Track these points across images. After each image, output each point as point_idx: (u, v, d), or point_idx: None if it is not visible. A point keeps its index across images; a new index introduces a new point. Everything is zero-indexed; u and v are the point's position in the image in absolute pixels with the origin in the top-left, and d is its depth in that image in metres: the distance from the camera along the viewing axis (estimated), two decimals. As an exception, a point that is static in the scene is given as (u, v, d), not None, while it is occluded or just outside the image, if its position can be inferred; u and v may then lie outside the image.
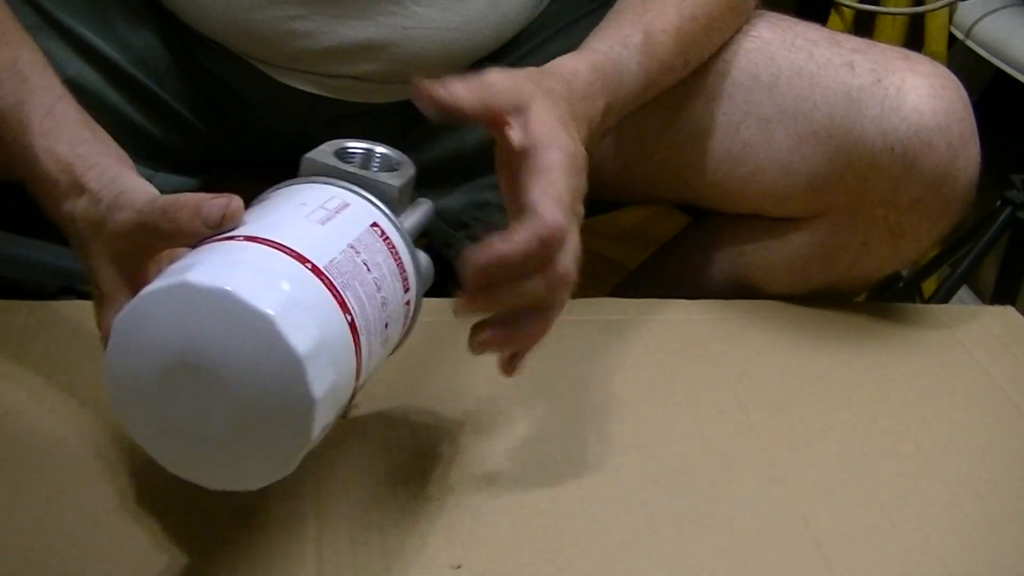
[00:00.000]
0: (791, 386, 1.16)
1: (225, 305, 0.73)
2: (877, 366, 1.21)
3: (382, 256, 0.86)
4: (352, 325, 0.80)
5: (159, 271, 0.80)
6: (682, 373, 1.16)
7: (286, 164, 1.32)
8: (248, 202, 0.87)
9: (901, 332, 1.27)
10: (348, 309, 0.79)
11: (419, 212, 0.97)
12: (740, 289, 1.31)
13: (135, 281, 0.87)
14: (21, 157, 0.94)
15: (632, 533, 0.96)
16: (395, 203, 0.91)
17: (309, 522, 0.93)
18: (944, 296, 1.51)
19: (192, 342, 0.74)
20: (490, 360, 0.94)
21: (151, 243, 0.86)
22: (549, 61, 1.25)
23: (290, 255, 0.78)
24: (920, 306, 1.39)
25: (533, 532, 0.96)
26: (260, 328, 0.73)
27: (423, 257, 0.94)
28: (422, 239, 1.40)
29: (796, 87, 1.19)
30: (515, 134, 0.92)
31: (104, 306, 0.88)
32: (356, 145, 0.96)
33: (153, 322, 0.75)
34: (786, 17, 1.24)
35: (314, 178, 0.91)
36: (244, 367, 0.74)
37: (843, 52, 1.19)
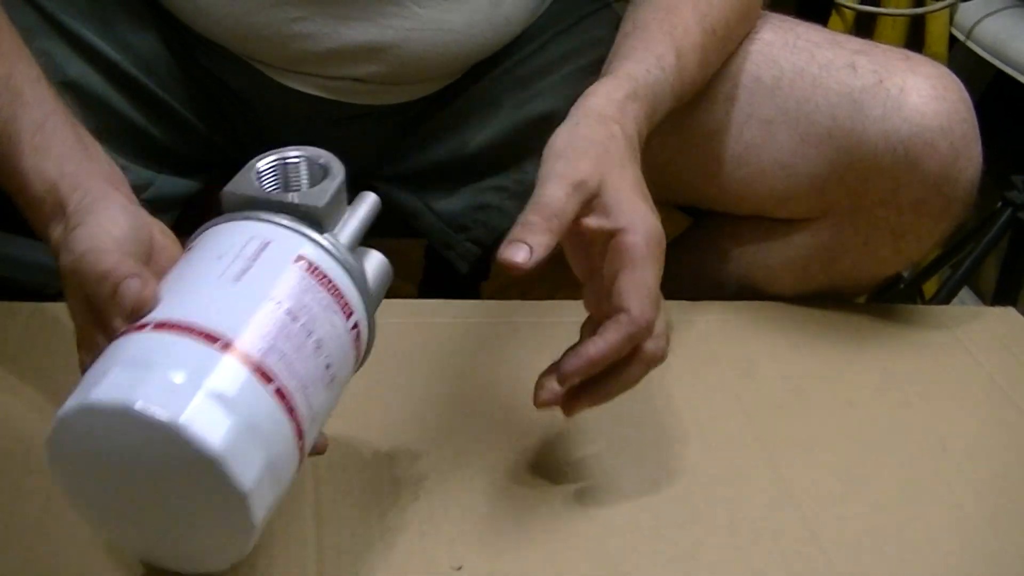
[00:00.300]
0: (793, 387, 1.17)
1: (134, 421, 0.73)
2: (879, 367, 1.21)
3: (311, 294, 0.82)
4: (279, 392, 0.77)
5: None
6: (684, 374, 1.15)
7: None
8: None
9: (902, 333, 1.27)
10: (270, 377, 0.77)
11: (359, 214, 0.90)
12: (742, 290, 1.31)
13: (101, 322, 0.85)
14: (11, 176, 0.93)
15: (634, 534, 0.97)
16: (324, 219, 0.85)
17: (308, 524, 0.93)
18: (945, 297, 1.51)
19: (116, 455, 0.75)
20: (492, 363, 0.94)
21: (91, 298, 0.85)
22: (551, 62, 1.26)
23: (199, 337, 0.76)
24: (921, 307, 1.39)
25: (534, 533, 0.96)
26: (174, 438, 0.73)
27: (373, 261, 0.89)
28: (421, 240, 1.40)
29: (798, 89, 1.19)
30: (592, 221, 0.93)
31: (79, 341, 0.88)
32: (271, 160, 0.89)
33: (77, 439, 0.76)
34: (788, 18, 1.24)
35: (234, 215, 0.85)
36: (172, 476, 0.74)
37: (845, 53, 1.19)
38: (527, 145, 1.27)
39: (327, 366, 0.81)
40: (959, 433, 1.13)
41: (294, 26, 1.15)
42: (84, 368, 0.84)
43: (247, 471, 0.73)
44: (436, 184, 1.31)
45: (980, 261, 1.50)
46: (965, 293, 1.79)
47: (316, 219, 0.85)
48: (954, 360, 1.23)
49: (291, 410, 0.77)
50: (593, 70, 1.15)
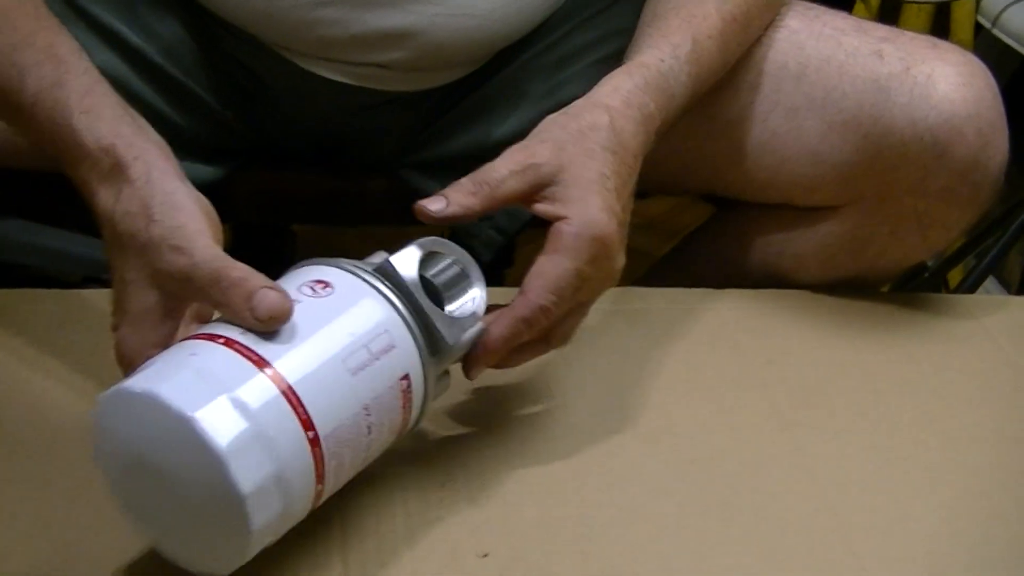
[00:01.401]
0: (818, 376, 1.16)
1: (158, 409, 0.77)
2: (904, 356, 1.20)
3: (388, 412, 0.87)
4: (305, 421, 0.80)
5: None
6: (708, 362, 1.16)
7: (311, 153, 1.32)
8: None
9: (928, 322, 1.27)
10: (300, 402, 0.80)
11: (465, 340, 0.93)
12: (767, 279, 1.31)
13: (168, 314, 0.88)
14: (60, 137, 0.92)
15: (659, 523, 0.96)
16: (446, 351, 0.90)
17: (333, 511, 0.92)
18: (970, 286, 1.51)
19: (150, 446, 0.79)
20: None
21: (196, 296, 0.87)
22: (574, 52, 1.25)
23: (295, 412, 0.79)
24: (946, 296, 1.39)
25: (560, 520, 0.96)
26: (187, 431, 0.76)
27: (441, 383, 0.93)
28: (443, 227, 1.40)
29: (825, 76, 1.19)
30: (540, 207, 0.95)
31: (125, 324, 0.89)
32: (446, 262, 0.93)
33: (112, 422, 0.80)
34: (813, 6, 1.24)
35: (385, 291, 0.87)
36: (184, 470, 0.77)
37: (872, 41, 1.19)
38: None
39: (368, 428, 0.85)
40: (984, 422, 1.12)
41: (318, 12, 1.15)
42: (129, 350, 0.87)
43: (249, 475, 0.76)
44: (459, 172, 1.31)
45: (1006, 250, 1.49)
46: (990, 282, 1.79)
47: (439, 349, 0.89)
48: (979, 349, 1.23)
49: (314, 441, 0.80)
50: (616, 60, 1.14)
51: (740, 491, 1.01)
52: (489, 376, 1.00)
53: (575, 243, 0.93)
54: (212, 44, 1.22)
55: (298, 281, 0.86)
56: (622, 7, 1.25)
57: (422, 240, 0.90)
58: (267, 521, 0.78)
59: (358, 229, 1.55)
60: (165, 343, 0.87)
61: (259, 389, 0.78)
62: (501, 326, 0.93)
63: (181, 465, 0.77)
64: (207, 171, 1.25)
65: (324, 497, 0.84)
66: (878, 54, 1.17)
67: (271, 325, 0.81)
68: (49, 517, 0.92)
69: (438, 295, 0.91)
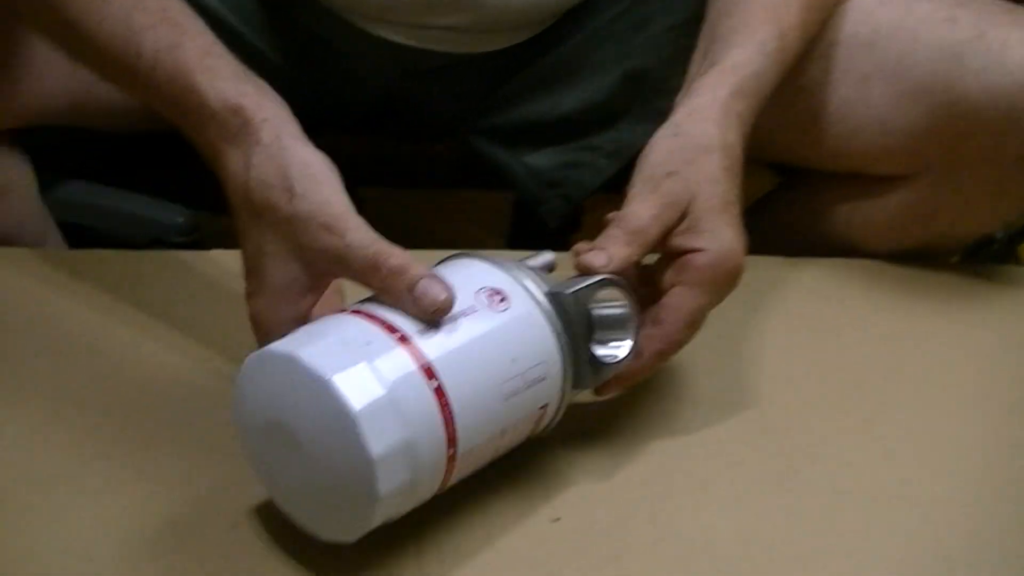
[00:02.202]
0: (886, 346, 1.16)
1: (298, 371, 0.78)
2: (974, 327, 1.20)
3: (517, 436, 0.89)
4: (438, 391, 0.80)
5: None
6: (776, 331, 1.16)
7: (376, 117, 1.33)
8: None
9: (998, 293, 1.27)
10: (435, 376, 0.80)
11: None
12: (833, 248, 1.30)
13: (311, 289, 0.89)
14: (182, 100, 0.92)
15: (729, 492, 0.97)
16: (585, 382, 0.91)
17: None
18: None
19: (288, 407, 0.80)
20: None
21: (348, 277, 0.87)
22: (644, 19, 1.25)
23: (444, 424, 0.80)
24: (1017, 268, 1.37)
25: (631, 486, 0.96)
26: (323, 392, 0.77)
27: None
28: (508, 192, 1.41)
29: (896, 43, 1.18)
30: (678, 242, 0.94)
31: (262, 295, 0.89)
32: (614, 303, 0.91)
33: (264, 379, 0.82)
34: (883, -27, 1.22)
35: (556, 325, 0.87)
36: (317, 432, 0.79)
37: (944, 7, 1.17)
38: (620, 104, 1.27)
39: (495, 449, 0.88)
40: (1055, 394, 1.12)
41: None
42: (267, 323, 0.88)
43: (381, 440, 0.77)
44: (528, 140, 1.31)
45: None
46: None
47: (578, 387, 0.90)
48: (1050, 321, 1.22)
49: (448, 420, 0.80)
50: (686, 28, 1.14)
51: (810, 460, 1.01)
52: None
53: (712, 276, 0.93)
54: (280, 9, 1.23)
55: (473, 284, 0.86)
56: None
57: (604, 278, 0.89)
58: (394, 489, 0.78)
59: (422, 192, 1.56)
60: (304, 317, 0.88)
61: (408, 373, 0.79)
62: (640, 361, 0.93)
63: (316, 429, 0.78)
64: None
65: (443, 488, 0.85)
66: (951, 20, 1.16)
67: (435, 317, 0.82)
68: (132, 468, 0.94)
69: (593, 330, 0.90)
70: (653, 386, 1.06)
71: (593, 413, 1.02)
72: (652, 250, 0.94)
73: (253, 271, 0.89)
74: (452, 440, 0.81)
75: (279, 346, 0.80)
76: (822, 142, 1.24)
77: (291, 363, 0.78)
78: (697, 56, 1.07)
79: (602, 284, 0.89)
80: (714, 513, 0.94)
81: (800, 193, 1.35)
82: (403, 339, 0.80)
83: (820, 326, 1.18)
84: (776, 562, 0.91)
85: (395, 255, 0.83)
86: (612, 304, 0.91)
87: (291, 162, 0.88)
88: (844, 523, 0.95)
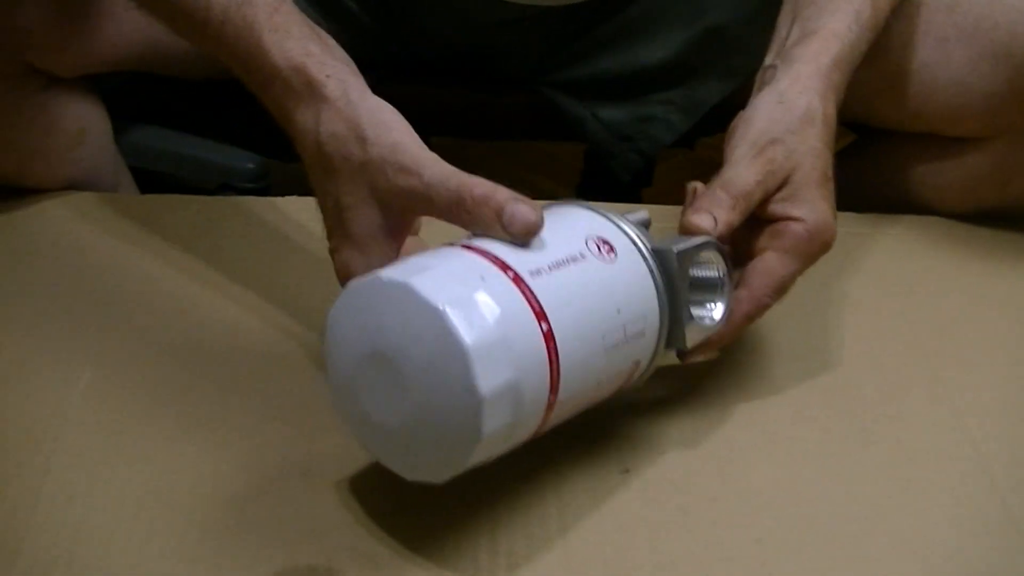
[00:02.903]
0: (959, 305, 1.16)
1: (409, 299, 0.76)
2: (1049, 289, 1.19)
3: (610, 388, 0.88)
4: (548, 335, 0.79)
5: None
6: (848, 288, 1.16)
7: (450, 66, 1.33)
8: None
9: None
10: (545, 318, 0.79)
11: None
12: (907, 207, 1.30)
13: (394, 234, 0.88)
14: (249, 56, 0.92)
15: (799, 446, 0.97)
16: (676, 349, 0.91)
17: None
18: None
19: (394, 336, 0.77)
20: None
21: (432, 214, 0.86)
22: None
23: (548, 361, 0.79)
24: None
25: (700, 439, 0.97)
26: (435, 323, 0.75)
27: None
28: (578, 144, 1.41)
29: (977, 6, 1.17)
30: (773, 207, 0.95)
31: (350, 247, 0.89)
32: (710, 266, 0.92)
33: (371, 306, 0.79)
34: (966, -64, 1.22)
35: (659, 282, 0.87)
36: (423, 364, 0.76)
37: (1024, -31, 1.17)
38: (696, 60, 1.28)
39: (590, 400, 0.87)
40: None
41: None
42: (353, 272, 0.87)
43: (490, 377, 0.75)
44: (602, 94, 1.31)
45: None
46: None
47: (671, 346, 0.90)
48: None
49: (554, 365, 0.79)
50: None
51: (879, 419, 1.01)
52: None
53: (807, 247, 0.94)
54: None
55: (581, 231, 0.86)
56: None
57: (705, 241, 0.89)
58: (496, 430, 0.77)
59: (494, 143, 1.56)
60: (392, 262, 0.87)
61: (520, 313, 0.78)
62: (728, 324, 0.93)
63: (421, 362, 0.76)
64: None
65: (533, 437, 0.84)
66: (1031, -18, 1.15)
67: (527, 238, 0.81)
68: (204, 416, 0.95)
69: (688, 291, 0.90)
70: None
71: (664, 366, 1.02)
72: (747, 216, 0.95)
73: (335, 225, 0.90)
74: (555, 386, 0.79)
75: (390, 272, 0.78)
76: (901, 103, 1.24)
77: (402, 290, 0.76)
78: (785, 17, 1.06)
79: (704, 247, 0.89)
80: (782, 468, 0.95)
81: (875, 152, 1.35)
82: (516, 278, 0.79)
83: (894, 284, 1.18)
84: (839, 520, 0.91)
85: (477, 184, 0.83)
86: (707, 266, 0.91)
87: (360, 113, 0.88)
88: (909, 483, 0.95)
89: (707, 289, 0.91)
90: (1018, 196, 1.26)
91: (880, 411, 1.01)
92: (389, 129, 0.87)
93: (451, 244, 0.83)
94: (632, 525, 0.89)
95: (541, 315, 0.78)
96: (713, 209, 0.91)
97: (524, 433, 0.81)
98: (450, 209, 0.83)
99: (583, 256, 0.84)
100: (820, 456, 0.96)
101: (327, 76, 0.89)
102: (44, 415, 0.94)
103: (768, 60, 1.02)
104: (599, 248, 0.85)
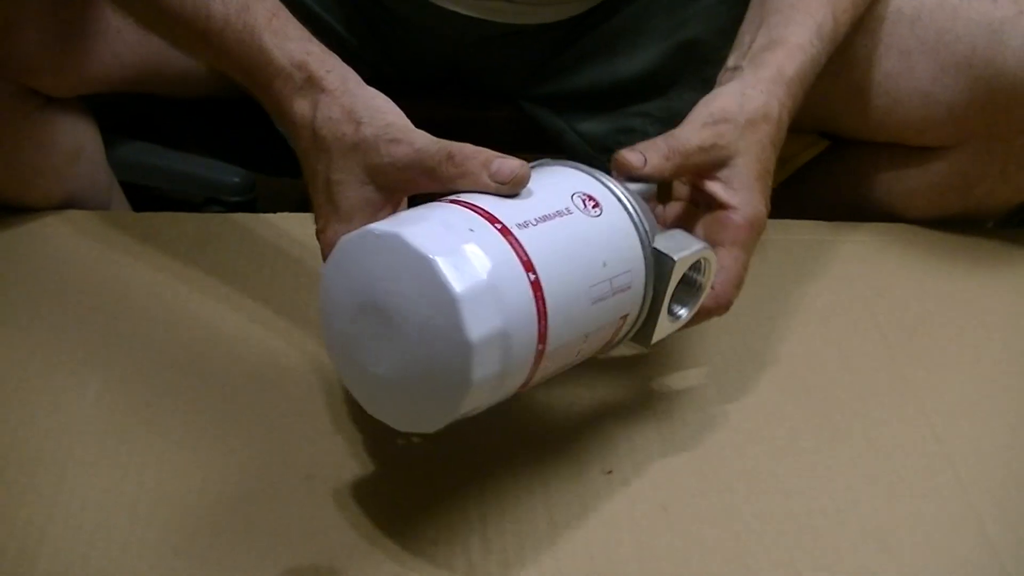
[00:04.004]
0: (927, 308, 1.18)
1: (399, 250, 0.77)
2: (1010, 290, 1.22)
3: (597, 343, 0.88)
4: (535, 284, 0.79)
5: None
6: (819, 292, 1.19)
7: (435, 83, 1.35)
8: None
9: (1032, 258, 1.29)
10: (533, 269, 0.79)
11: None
12: (876, 214, 1.33)
13: (381, 208, 0.90)
14: (249, 59, 0.95)
15: (772, 445, 1.00)
16: (655, 318, 0.91)
17: (465, 426, 0.97)
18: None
19: (386, 287, 0.78)
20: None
21: (422, 182, 0.88)
22: None
23: (536, 307, 0.79)
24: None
25: (681, 441, 1.00)
26: (425, 273, 0.76)
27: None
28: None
29: (938, 19, 1.20)
30: (710, 184, 0.97)
31: (337, 221, 0.91)
32: (697, 274, 0.92)
33: (363, 258, 0.80)
34: (928, -49, 1.25)
35: (643, 235, 0.88)
36: (412, 312, 0.77)
37: (985, -16, 1.20)
38: (673, 72, 1.29)
39: (578, 352, 0.86)
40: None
41: None
42: (332, 242, 0.87)
43: (479, 325, 0.76)
44: (581, 107, 1.34)
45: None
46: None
47: (644, 340, 0.91)
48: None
49: (542, 315, 0.80)
50: (729, 3, 1.17)
51: (850, 417, 1.04)
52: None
53: (746, 235, 0.96)
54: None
55: (567, 187, 0.87)
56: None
57: (702, 248, 0.91)
58: (485, 377, 0.77)
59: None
60: None
61: (509, 263, 0.78)
62: (694, 319, 0.95)
63: (412, 311, 0.77)
64: None
65: (521, 390, 0.85)
66: (992, -2, 1.19)
67: (514, 188, 0.83)
68: (242, 430, 0.98)
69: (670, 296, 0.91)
70: (700, 345, 1.10)
71: (643, 370, 1.06)
72: (679, 176, 0.97)
73: (324, 202, 0.92)
74: (543, 336, 0.80)
75: (381, 225, 0.79)
76: (866, 113, 1.26)
77: (393, 241, 0.77)
78: (750, 23, 1.08)
79: (701, 252, 0.91)
80: (757, 466, 0.98)
81: (845, 160, 1.38)
82: (504, 230, 0.79)
83: (862, 288, 1.21)
84: (811, 513, 0.94)
85: (466, 145, 0.86)
86: (695, 269, 0.92)
87: (355, 99, 0.91)
88: (877, 478, 0.98)
89: (686, 289, 0.92)
90: (980, 202, 1.30)
91: (849, 410, 1.05)
92: (383, 113, 0.90)
93: (439, 201, 0.84)
94: (616, 522, 0.92)
95: (529, 265, 0.79)
96: (647, 151, 0.93)
97: (513, 384, 0.82)
98: (439, 168, 0.85)
99: (568, 210, 0.84)
100: (793, 453, 1.00)
101: (327, 71, 0.93)
102: (55, 426, 0.97)
103: (731, 63, 1.05)
104: (584, 203, 0.86)
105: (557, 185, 0.87)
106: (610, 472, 0.96)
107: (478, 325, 0.75)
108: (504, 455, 0.95)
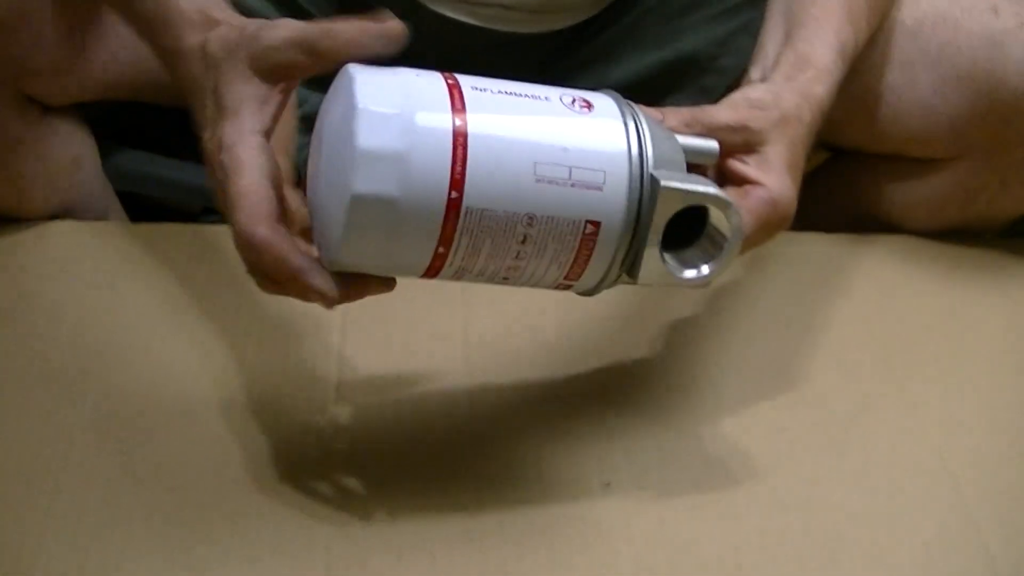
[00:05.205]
0: (926, 319, 1.18)
1: (347, 83, 0.80)
2: (1010, 301, 1.22)
3: (555, 241, 0.82)
4: (458, 135, 0.78)
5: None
6: (818, 304, 1.18)
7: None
8: None
9: (1032, 269, 1.29)
10: (449, 240, 0.79)
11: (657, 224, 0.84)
12: (876, 225, 1.33)
13: (268, 101, 0.86)
14: (153, 14, 0.93)
15: (772, 458, 1.00)
16: (640, 262, 0.84)
17: (465, 438, 0.98)
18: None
19: (327, 107, 0.83)
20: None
21: (303, 61, 0.85)
22: (694, 2, 1.27)
23: (452, 156, 0.78)
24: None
25: (678, 452, 1.00)
26: (347, 89, 0.79)
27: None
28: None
29: (940, 32, 1.20)
30: (741, 167, 0.94)
31: (223, 119, 0.86)
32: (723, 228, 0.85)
33: (334, 96, 0.83)
34: (930, -38, 1.25)
35: (646, 154, 0.83)
36: (337, 152, 0.80)
37: (987, -3, 1.20)
38: (667, 81, 1.29)
39: (523, 237, 0.81)
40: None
41: None
42: (218, 142, 0.85)
43: (371, 139, 0.77)
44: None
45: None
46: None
47: (642, 231, 0.83)
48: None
49: (457, 154, 0.78)
50: (736, 12, 1.17)
51: (848, 429, 1.04)
52: (608, 314, 1.04)
53: (767, 211, 0.92)
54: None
55: (565, 91, 0.85)
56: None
57: (712, 194, 0.84)
58: (373, 193, 0.77)
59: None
60: (269, 127, 0.86)
61: (434, 101, 0.79)
62: None
63: (334, 122, 0.80)
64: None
65: (447, 270, 0.82)
66: (994, 10, 1.18)
67: (397, 45, 0.83)
68: (258, 446, 0.98)
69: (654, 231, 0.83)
70: (700, 355, 1.10)
71: (641, 379, 1.06)
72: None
73: (212, 110, 0.88)
74: (457, 183, 0.78)
75: (353, 67, 0.81)
76: (868, 125, 1.26)
77: (346, 74, 0.80)
78: (771, 31, 1.07)
79: (708, 199, 0.84)
80: (756, 479, 0.98)
81: (845, 171, 1.37)
82: (453, 85, 0.81)
83: (863, 301, 1.20)
84: (810, 529, 0.94)
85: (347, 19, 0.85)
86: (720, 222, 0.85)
87: (247, 21, 0.89)
88: (877, 493, 0.98)
89: (707, 245, 0.86)
90: (981, 214, 1.30)
91: (849, 424, 1.04)
92: (264, 20, 0.88)
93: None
94: (614, 535, 0.92)
95: (459, 111, 0.78)
96: (667, 111, 0.91)
97: (424, 228, 0.79)
98: (318, 44, 0.83)
99: (546, 99, 0.83)
100: (792, 467, 0.99)
101: (227, 11, 0.91)
102: (52, 436, 0.96)
103: (755, 75, 1.03)
104: (572, 101, 0.83)
105: (555, 88, 0.85)
106: (608, 484, 0.96)
107: (371, 139, 0.76)
108: (501, 466, 0.95)
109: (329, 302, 0.83)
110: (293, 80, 0.87)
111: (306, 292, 0.83)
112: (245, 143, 0.84)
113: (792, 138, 0.95)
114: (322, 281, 0.82)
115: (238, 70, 0.87)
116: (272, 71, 0.86)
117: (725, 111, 0.94)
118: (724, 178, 0.95)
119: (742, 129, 0.94)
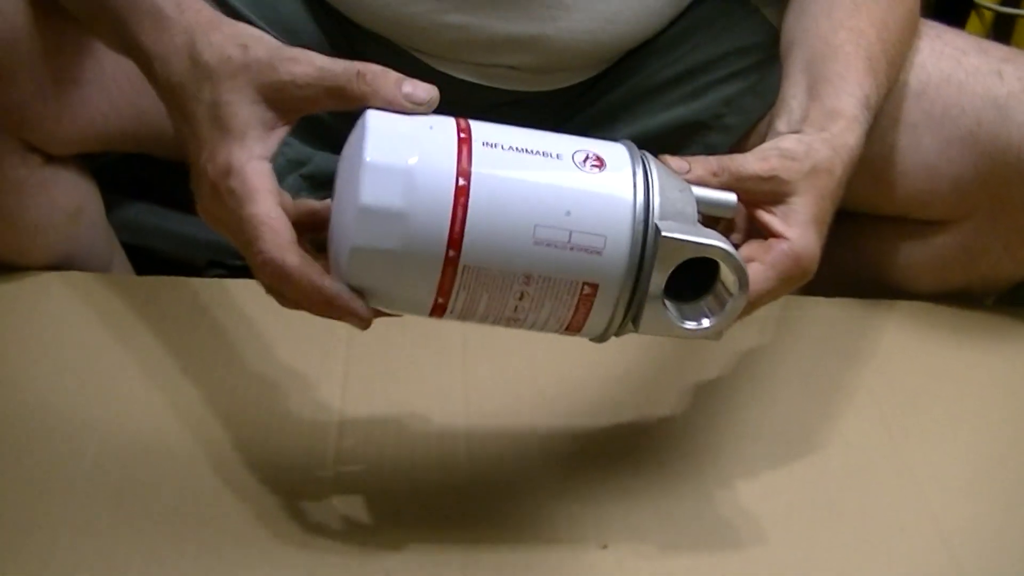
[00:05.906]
0: (926, 384, 1.18)
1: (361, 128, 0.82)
2: (1010, 368, 1.22)
3: (552, 299, 0.83)
4: (460, 183, 0.79)
5: None
6: (817, 367, 1.19)
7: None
8: None
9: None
10: (467, 176, 0.79)
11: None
12: (877, 287, 1.33)
13: (275, 127, 0.87)
14: (124, 9, 0.93)
15: (769, 520, 1.00)
16: (642, 318, 0.84)
17: (462, 496, 0.98)
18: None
19: (352, 152, 0.83)
20: (643, 343, 0.96)
21: (325, 101, 0.86)
22: (698, 67, 1.27)
23: (452, 214, 0.79)
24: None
25: (676, 516, 0.99)
26: (358, 172, 0.80)
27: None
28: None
29: (944, 94, 1.21)
30: (767, 218, 0.94)
31: (228, 142, 0.87)
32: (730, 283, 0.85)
33: (356, 132, 0.84)
34: (935, 24, 1.25)
35: (643, 209, 0.82)
36: (343, 188, 0.83)
37: (992, 61, 1.21)
38: (675, 141, 1.29)
39: (520, 294, 0.82)
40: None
41: (447, 17, 1.18)
42: (225, 164, 0.86)
43: (374, 194, 0.79)
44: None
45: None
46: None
47: (639, 314, 0.84)
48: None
49: (457, 213, 0.79)
50: (734, 79, 1.19)
51: (845, 492, 1.04)
52: (613, 372, 1.04)
53: (788, 265, 0.92)
54: (347, 45, 1.26)
55: (581, 145, 0.85)
56: (746, 25, 1.26)
57: (717, 246, 0.83)
58: (373, 246, 0.79)
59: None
60: (273, 152, 0.87)
61: (441, 161, 0.80)
62: None
63: (349, 166, 0.82)
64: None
65: (449, 316, 0.83)
66: (998, 74, 1.19)
67: (428, 108, 0.84)
68: (257, 496, 0.98)
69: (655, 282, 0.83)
70: (700, 417, 1.10)
71: (640, 440, 1.06)
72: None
73: (210, 128, 0.88)
74: (455, 242, 0.79)
75: (372, 111, 0.83)
76: (871, 186, 1.25)
77: (363, 116, 0.82)
78: (794, 86, 1.06)
79: (712, 251, 0.83)
80: (752, 541, 0.98)
81: (846, 232, 1.36)
82: (464, 139, 0.81)
83: (860, 363, 1.20)
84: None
85: (372, 64, 0.85)
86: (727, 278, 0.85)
87: (235, 27, 0.89)
88: (876, 553, 0.98)
89: (714, 298, 0.86)
90: (984, 276, 1.30)
91: (846, 486, 1.04)
92: (268, 38, 0.88)
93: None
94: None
95: (464, 169, 0.79)
96: (694, 161, 0.91)
97: (420, 278, 0.81)
98: (349, 85, 0.84)
99: (557, 157, 0.82)
100: (788, 529, 0.99)
101: (200, 6, 0.91)
102: (53, 487, 0.97)
103: (782, 127, 1.02)
104: (584, 159, 0.83)
105: (570, 139, 0.85)
106: (605, 547, 0.96)
107: (373, 195, 0.78)
108: (498, 528, 0.94)
109: (364, 324, 0.84)
110: (306, 113, 0.89)
111: (341, 315, 0.84)
112: (255, 168, 0.85)
113: (821, 190, 0.95)
114: (358, 305, 0.83)
115: (243, 92, 0.87)
116: (287, 104, 0.87)
117: (755, 161, 0.94)
118: (751, 228, 0.96)
119: (771, 179, 0.93)
